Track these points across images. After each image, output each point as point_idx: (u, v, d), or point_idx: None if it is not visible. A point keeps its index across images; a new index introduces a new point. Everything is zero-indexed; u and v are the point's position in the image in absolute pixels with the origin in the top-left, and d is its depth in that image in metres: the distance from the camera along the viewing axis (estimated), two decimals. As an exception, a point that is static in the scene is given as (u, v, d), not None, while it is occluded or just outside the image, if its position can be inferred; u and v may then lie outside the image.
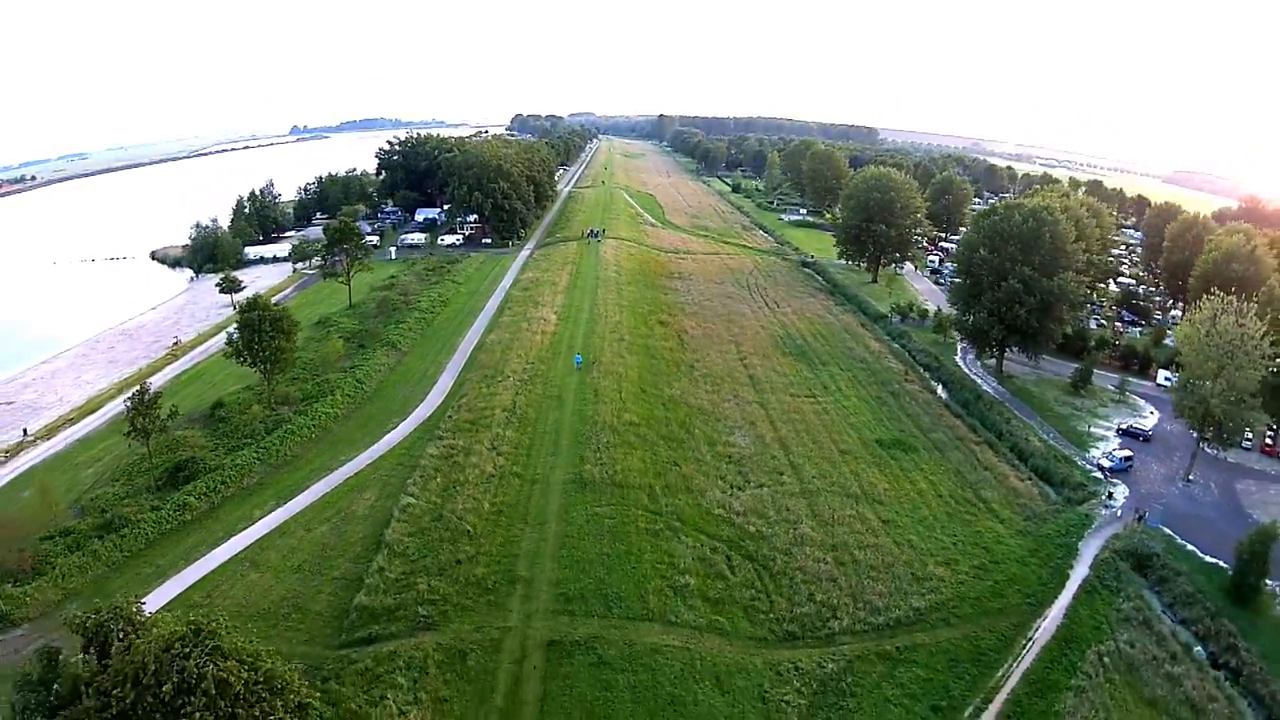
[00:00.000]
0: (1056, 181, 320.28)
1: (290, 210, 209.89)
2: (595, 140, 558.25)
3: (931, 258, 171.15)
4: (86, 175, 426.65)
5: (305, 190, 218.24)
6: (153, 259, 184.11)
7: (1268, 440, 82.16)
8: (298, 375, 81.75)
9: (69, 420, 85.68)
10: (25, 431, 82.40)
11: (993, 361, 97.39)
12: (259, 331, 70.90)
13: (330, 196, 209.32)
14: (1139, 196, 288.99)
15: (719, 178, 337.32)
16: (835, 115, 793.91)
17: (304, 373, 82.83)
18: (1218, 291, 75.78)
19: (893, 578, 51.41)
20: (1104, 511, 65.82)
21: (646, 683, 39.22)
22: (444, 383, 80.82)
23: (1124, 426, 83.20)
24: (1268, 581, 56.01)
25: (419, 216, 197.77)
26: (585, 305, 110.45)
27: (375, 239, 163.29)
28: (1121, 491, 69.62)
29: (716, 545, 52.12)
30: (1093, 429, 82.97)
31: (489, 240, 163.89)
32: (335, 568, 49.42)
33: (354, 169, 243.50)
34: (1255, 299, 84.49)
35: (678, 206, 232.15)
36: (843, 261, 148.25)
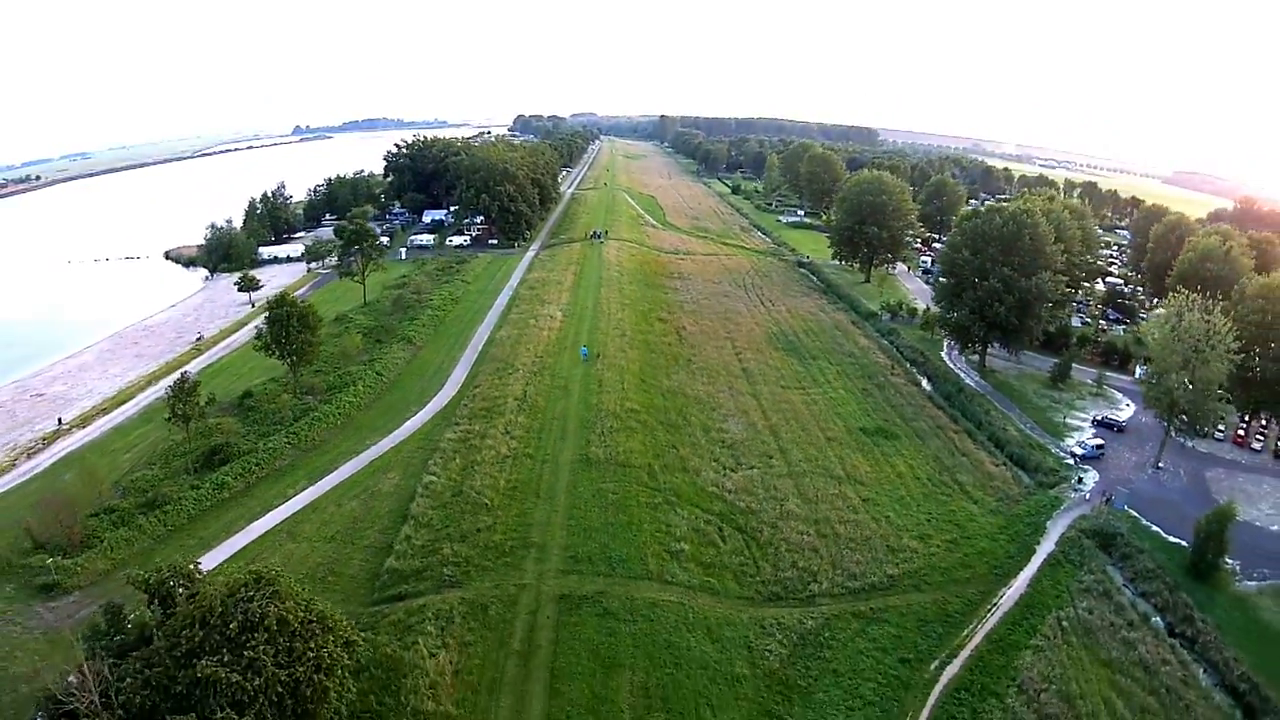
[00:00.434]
0: (1052, 183, 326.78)
1: (300, 211, 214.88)
2: (597, 141, 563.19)
3: (924, 258, 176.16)
4: (91, 175, 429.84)
5: (314, 191, 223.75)
6: (166, 259, 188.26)
7: (1239, 432, 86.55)
8: (320, 368, 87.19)
9: (103, 410, 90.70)
10: (60, 420, 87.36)
11: (976, 357, 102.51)
12: (287, 326, 76.21)
13: (339, 198, 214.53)
14: (1132, 198, 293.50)
15: (719, 179, 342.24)
16: (836, 116, 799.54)
17: (326, 365, 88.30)
18: (1187, 290, 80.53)
19: (870, 549, 56.71)
20: (1073, 495, 70.76)
21: (646, 631, 44.82)
22: (458, 375, 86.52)
23: (1099, 417, 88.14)
24: (1227, 560, 60.83)
25: (426, 218, 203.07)
26: (589, 303, 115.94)
27: (385, 240, 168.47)
28: (1092, 477, 74.46)
29: (709, 518, 57.74)
30: (1068, 419, 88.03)
31: (495, 241, 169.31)
32: (365, 537, 54.86)
33: (361, 170, 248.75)
34: (1228, 297, 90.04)
35: (678, 208, 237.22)
36: (837, 262, 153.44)
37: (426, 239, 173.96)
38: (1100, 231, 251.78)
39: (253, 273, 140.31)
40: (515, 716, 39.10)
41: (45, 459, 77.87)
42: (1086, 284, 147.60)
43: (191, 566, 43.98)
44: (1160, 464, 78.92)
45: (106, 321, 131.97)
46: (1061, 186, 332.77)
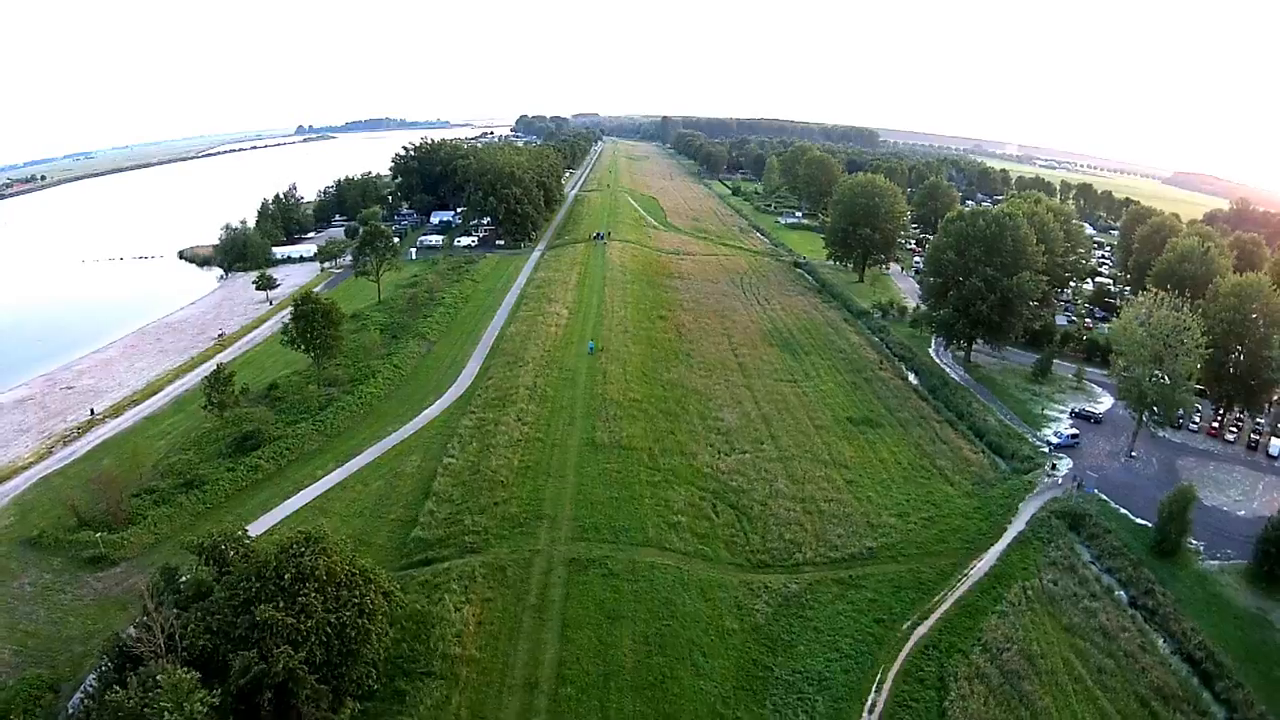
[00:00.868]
0: (1048, 184, 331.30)
1: (310, 212, 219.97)
2: (600, 142, 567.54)
3: (917, 259, 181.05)
4: (96, 175, 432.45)
5: (324, 193, 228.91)
6: (180, 258, 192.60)
7: (1214, 424, 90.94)
8: (341, 361, 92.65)
9: (133, 400, 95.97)
10: (92, 411, 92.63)
11: (962, 353, 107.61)
12: (312, 322, 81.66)
13: (348, 199, 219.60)
14: (1126, 199, 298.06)
15: (720, 180, 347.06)
16: (839, 116, 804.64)
17: (346, 359, 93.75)
18: (1167, 289, 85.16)
19: (851, 524, 61.98)
20: (1046, 480, 75.59)
21: (646, 589, 50.40)
22: (471, 368, 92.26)
23: (1076, 409, 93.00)
24: (1192, 541, 65.24)
25: (434, 219, 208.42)
26: (594, 301, 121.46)
27: (395, 240, 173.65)
28: (1065, 464, 79.24)
29: (704, 495, 63.31)
30: (1046, 411, 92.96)
31: (502, 242, 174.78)
32: (392, 512, 60.36)
33: (369, 172, 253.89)
34: (1204, 296, 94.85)
35: (679, 210, 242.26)
36: (832, 262, 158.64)
37: (435, 239, 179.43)
38: (1093, 232, 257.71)
39: (268, 272, 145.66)
40: (532, 659, 44.71)
41: (81, 446, 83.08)
42: (1074, 283, 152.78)
43: (240, 533, 49.50)
44: (1133, 453, 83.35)
45: (127, 319, 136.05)
46: (1058, 188, 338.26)
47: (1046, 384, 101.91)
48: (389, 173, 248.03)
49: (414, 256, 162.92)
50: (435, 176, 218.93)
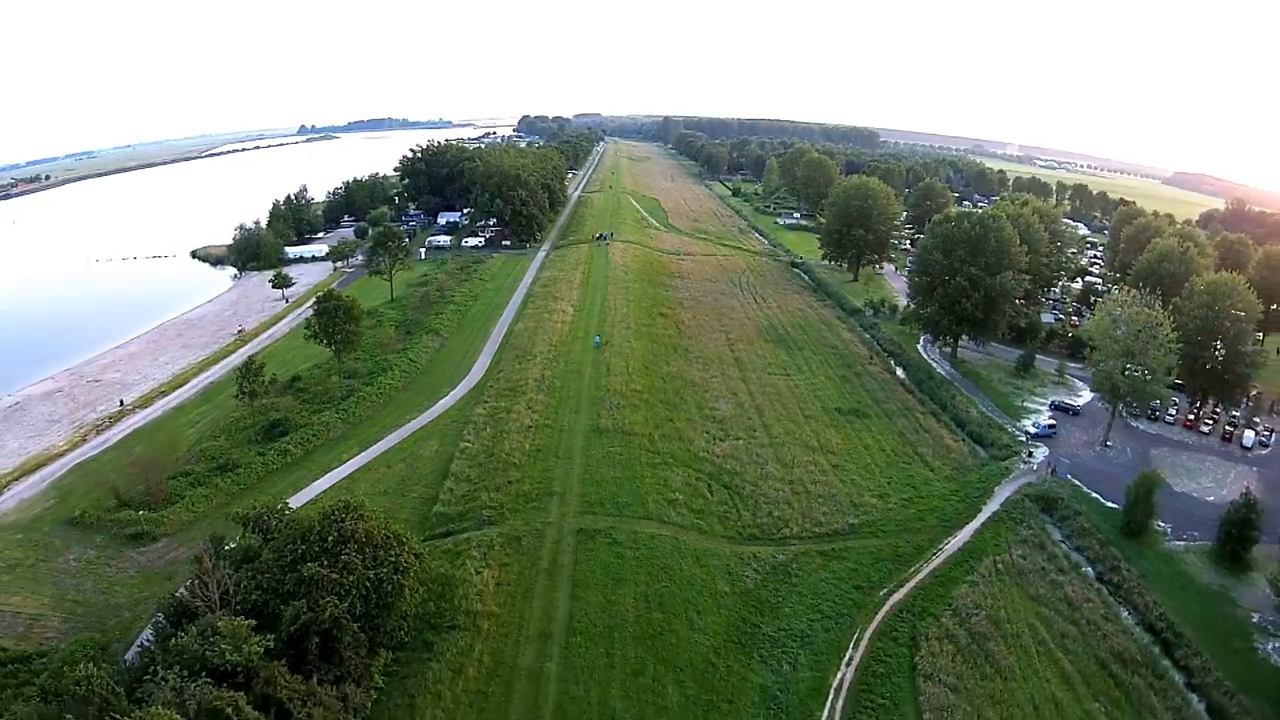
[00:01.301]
0: (1045, 184, 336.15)
1: (320, 213, 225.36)
2: (602, 143, 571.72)
3: (911, 258, 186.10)
4: (100, 175, 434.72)
5: (333, 194, 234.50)
6: (193, 257, 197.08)
7: (1190, 416, 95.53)
8: (360, 355, 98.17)
9: (161, 392, 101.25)
10: (122, 402, 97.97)
11: (949, 349, 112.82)
12: (334, 317, 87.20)
13: (357, 200, 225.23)
14: (1120, 200, 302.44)
15: (721, 181, 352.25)
16: (839, 116, 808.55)
17: (364, 354, 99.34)
18: (1147, 287, 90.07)
19: (835, 503, 67.36)
20: (1023, 466, 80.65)
21: (646, 556, 56.09)
22: (483, 362, 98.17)
23: (1055, 402, 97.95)
24: (1160, 523, 69.86)
25: (441, 220, 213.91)
26: (597, 300, 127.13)
27: (406, 240, 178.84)
28: (1042, 452, 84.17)
29: (700, 476, 69.00)
30: (1026, 403, 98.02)
31: (508, 243, 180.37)
32: (414, 491, 65.96)
33: (376, 173, 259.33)
34: (1181, 295, 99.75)
35: (680, 211, 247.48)
36: (827, 262, 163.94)
37: (443, 240, 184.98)
38: (1086, 232, 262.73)
39: (283, 271, 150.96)
40: (545, 614, 50.43)
41: (113, 435, 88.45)
42: (1064, 282, 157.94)
43: (280, 505, 55.03)
44: (1108, 442, 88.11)
45: (146, 316, 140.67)
46: (1054, 188, 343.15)
47: (1029, 378, 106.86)
48: (395, 173, 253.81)
49: (423, 256, 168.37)
50: (442, 178, 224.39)
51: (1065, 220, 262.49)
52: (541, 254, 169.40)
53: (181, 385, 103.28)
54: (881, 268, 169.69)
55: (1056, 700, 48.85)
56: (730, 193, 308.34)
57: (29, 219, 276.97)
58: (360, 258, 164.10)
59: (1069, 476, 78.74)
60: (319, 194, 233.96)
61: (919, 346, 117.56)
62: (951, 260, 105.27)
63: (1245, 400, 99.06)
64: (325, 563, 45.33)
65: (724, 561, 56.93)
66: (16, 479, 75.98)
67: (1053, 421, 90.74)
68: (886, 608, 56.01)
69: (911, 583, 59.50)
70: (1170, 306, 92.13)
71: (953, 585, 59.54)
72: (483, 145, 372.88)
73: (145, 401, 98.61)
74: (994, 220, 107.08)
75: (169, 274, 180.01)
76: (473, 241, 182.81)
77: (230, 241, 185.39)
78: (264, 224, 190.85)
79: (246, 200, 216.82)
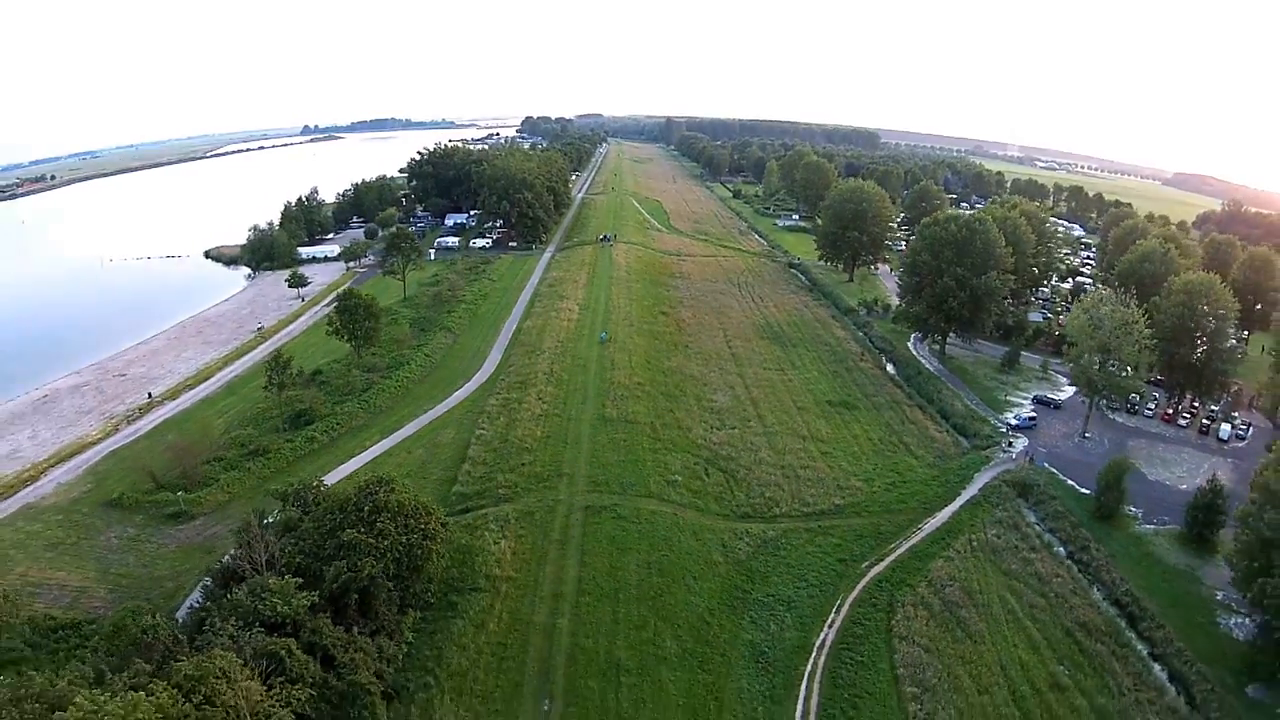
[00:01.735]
0: (1042, 186, 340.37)
1: (330, 214, 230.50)
2: (604, 144, 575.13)
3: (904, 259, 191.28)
4: (105, 175, 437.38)
5: (343, 195, 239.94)
6: (206, 257, 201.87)
7: (1168, 410, 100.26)
8: (377, 351, 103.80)
9: (188, 385, 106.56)
10: (150, 394, 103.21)
11: (939, 346, 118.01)
12: (355, 314, 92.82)
13: (366, 202, 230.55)
14: (1116, 201, 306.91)
15: (722, 183, 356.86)
16: (841, 117, 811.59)
17: (381, 349, 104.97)
18: (1123, 286, 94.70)
19: (823, 486, 72.79)
20: (1003, 455, 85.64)
21: (648, 529, 61.86)
22: (494, 357, 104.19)
23: (1038, 395, 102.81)
24: (1131, 508, 74.52)
25: (448, 221, 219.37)
26: (601, 299, 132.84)
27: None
28: (1022, 442, 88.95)
29: (698, 461, 74.80)
30: (1010, 397, 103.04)
31: (515, 244, 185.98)
32: (433, 473, 71.62)
33: (383, 175, 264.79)
34: (1160, 294, 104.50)
35: (682, 212, 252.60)
36: (824, 263, 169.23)
37: (452, 241, 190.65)
38: (1082, 233, 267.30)
39: (298, 270, 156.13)
40: (557, 578, 56.31)
41: (144, 425, 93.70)
42: (1055, 282, 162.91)
43: (315, 482, 60.60)
44: (1086, 434, 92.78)
45: (165, 313, 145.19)
46: (1051, 190, 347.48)
47: (1014, 374, 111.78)
48: (402, 175, 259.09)
49: (433, 257, 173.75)
50: (449, 180, 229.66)
51: (1061, 222, 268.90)
52: (547, 255, 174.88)
53: (207, 379, 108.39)
54: (877, 268, 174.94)
55: (1023, 662, 53.64)
56: (731, 194, 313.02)
57: (36, 219, 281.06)
58: (371, 258, 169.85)
59: (1046, 465, 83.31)
60: (325, 195, 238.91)
61: (909, 344, 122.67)
62: (939, 261, 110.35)
63: (1224, 395, 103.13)
64: (362, 530, 50.83)
65: (719, 536, 62.48)
66: (53, 465, 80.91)
67: (1034, 414, 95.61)
68: (867, 579, 61.28)
69: (891, 557, 64.69)
70: (1149, 305, 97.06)
71: (929, 560, 64.55)
72: (487, 146, 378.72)
73: (173, 394, 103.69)
74: (980, 223, 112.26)
75: (183, 273, 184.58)
76: (480, 243, 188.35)
77: (243, 242, 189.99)
78: (276, 225, 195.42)
79: (254, 201, 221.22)
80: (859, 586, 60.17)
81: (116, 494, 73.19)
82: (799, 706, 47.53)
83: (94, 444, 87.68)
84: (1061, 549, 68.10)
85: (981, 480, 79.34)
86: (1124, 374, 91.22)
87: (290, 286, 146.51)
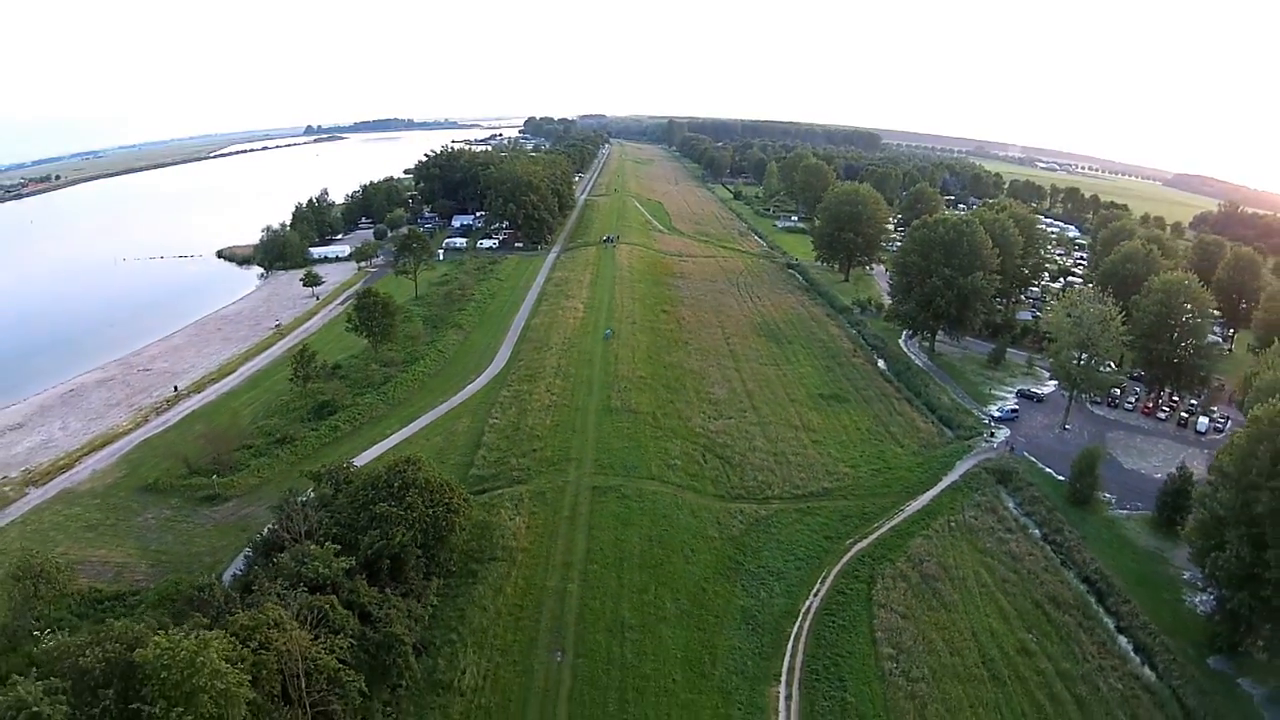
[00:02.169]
0: (1039, 187, 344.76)
1: (339, 214, 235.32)
2: (607, 145, 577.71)
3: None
4: (109, 175, 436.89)
5: (351, 196, 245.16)
6: (219, 257, 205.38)
7: (1148, 404, 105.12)
8: (393, 346, 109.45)
9: (212, 379, 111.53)
10: (176, 388, 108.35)
11: (928, 343, 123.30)
12: (373, 312, 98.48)
13: (374, 203, 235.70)
14: (1110, 202, 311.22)
15: (723, 184, 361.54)
16: (842, 118, 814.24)
17: (397, 345, 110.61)
18: (1106, 286, 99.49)
19: (812, 471, 78.34)
20: (984, 444, 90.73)
21: (650, 507, 67.82)
22: (504, 352, 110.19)
23: (1021, 389, 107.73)
24: (1106, 494, 79.17)
25: (456, 223, 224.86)
26: (605, 298, 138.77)
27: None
28: (1004, 433, 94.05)
29: (696, 447, 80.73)
30: (995, 391, 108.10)
31: (521, 245, 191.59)
32: (451, 458, 77.30)
33: (390, 176, 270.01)
34: (1140, 292, 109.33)
35: (683, 214, 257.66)
36: (821, 264, 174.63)
37: (460, 241, 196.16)
38: (1077, 234, 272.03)
39: (312, 270, 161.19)
40: (567, 549, 62.26)
41: (172, 416, 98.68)
42: (1046, 281, 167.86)
43: (346, 464, 66.20)
44: (1067, 426, 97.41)
45: (183, 312, 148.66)
46: (1048, 191, 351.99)
47: (1000, 370, 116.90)
48: (408, 176, 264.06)
49: (442, 257, 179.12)
50: (455, 182, 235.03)
51: (1056, 223, 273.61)
52: (552, 255, 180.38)
53: (230, 373, 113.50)
54: (872, 269, 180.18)
55: (993, 630, 58.57)
56: (732, 196, 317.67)
57: (44, 219, 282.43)
58: (382, 258, 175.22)
59: (1026, 454, 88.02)
60: (333, 196, 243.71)
61: (900, 341, 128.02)
62: (928, 262, 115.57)
63: (1203, 389, 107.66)
64: (392, 503, 56.36)
65: (714, 514, 68.20)
66: (87, 454, 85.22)
67: (1016, 406, 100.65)
68: (851, 554, 66.64)
69: (873, 535, 69.93)
70: (1129, 303, 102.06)
71: (909, 538, 69.59)
72: (490, 147, 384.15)
73: (198, 387, 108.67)
74: (967, 225, 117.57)
75: (196, 273, 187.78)
76: (487, 243, 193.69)
77: (255, 242, 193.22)
78: (288, 225, 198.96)
79: (261, 202, 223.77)
80: (843, 561, 65.45)
81: (152, 479, 77.66)
82: (785, 662, 52.97)
83: (125, 434, 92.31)
84: (1036, 531, 72.45)
85: (963, 468, 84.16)
86: (1104, 369, 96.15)
87: (305, 285, 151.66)
